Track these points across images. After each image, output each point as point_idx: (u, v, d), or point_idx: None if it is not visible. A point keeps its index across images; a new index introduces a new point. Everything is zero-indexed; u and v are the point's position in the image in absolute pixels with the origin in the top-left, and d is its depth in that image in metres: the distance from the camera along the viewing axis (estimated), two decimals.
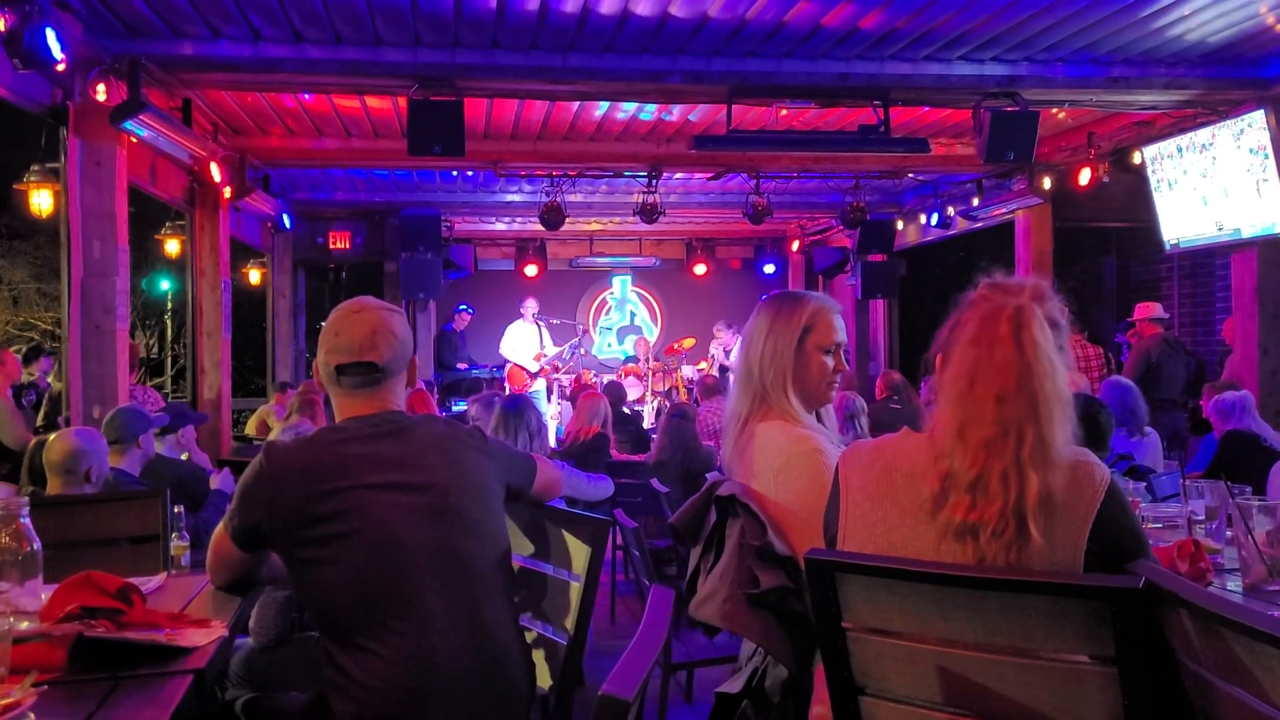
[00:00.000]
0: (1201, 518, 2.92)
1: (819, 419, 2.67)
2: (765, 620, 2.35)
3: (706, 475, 4.47)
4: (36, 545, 2.22)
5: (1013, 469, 1.84)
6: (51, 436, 3.97)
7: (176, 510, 3.52)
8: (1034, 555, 1.83)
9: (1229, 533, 2.77)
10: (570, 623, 2.59)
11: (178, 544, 3.47)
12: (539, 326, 13.15)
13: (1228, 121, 7.30)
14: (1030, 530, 1.82)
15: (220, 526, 2.40)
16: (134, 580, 2.28)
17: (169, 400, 10.14)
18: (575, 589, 2.61)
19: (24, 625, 2.02)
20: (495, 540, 2.45)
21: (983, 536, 1.85)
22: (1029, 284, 2.00)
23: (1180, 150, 7.84)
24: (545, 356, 12.92)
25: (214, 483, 4.80)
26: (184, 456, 5.38)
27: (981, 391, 1.88)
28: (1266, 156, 7.02)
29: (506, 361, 12.91)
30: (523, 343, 13.03)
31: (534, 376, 12.59)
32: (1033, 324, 1.90)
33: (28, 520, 2.24)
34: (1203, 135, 7.58)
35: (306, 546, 2.27)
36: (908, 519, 1.97)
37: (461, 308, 13.19)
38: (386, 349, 2.41)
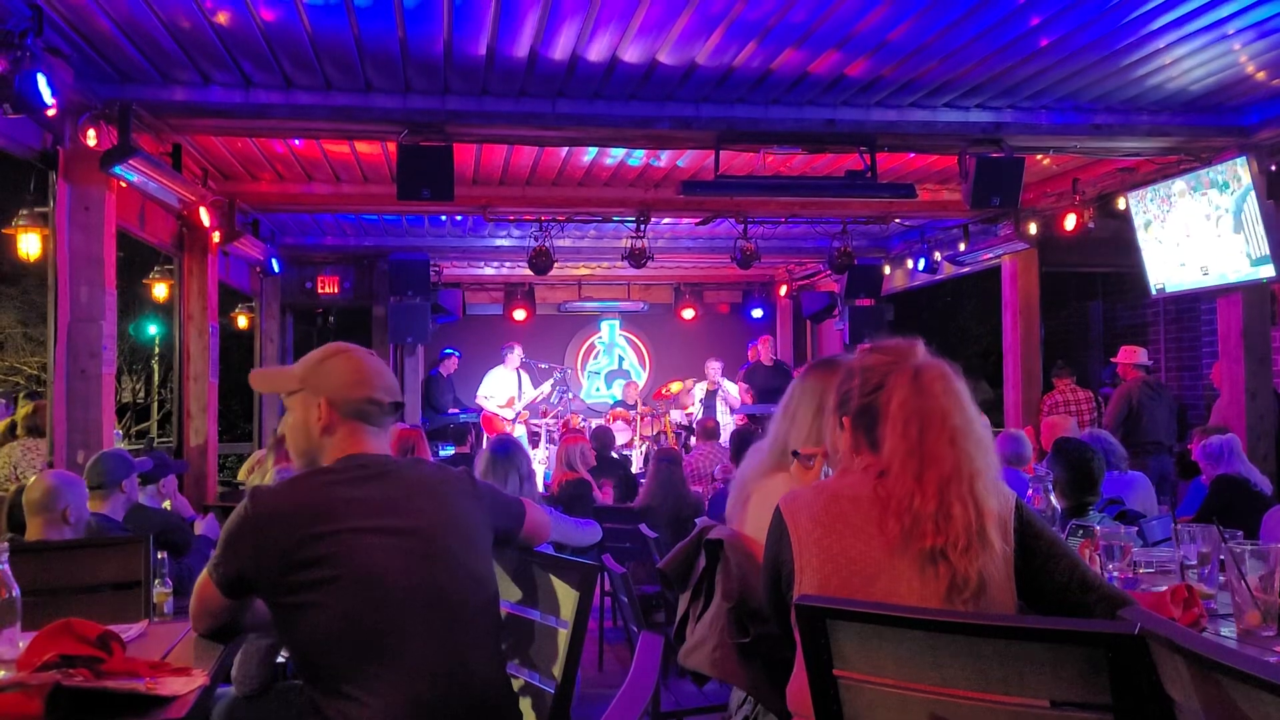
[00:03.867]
0: (1194, 562, 2.91)
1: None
2: (755, 669, 2.33)
3: (695, 520, 4.46)
4: (15, 592, 2.19)
5: (969, 497, 2.06)
6: (31, 479, 3.93)
7: (160, 556, 3.48)
8: (992, 566, 2.05)
9: (1222, 578, 2.75)
10: (558, 670, 2.55)
11: (160, 591, 3.42)
12: (519, 374, 13.08)
13: (1210, 168, 7.37)
14: (990, 539, 2.05)
15: (204, 573, 2.36)
16: (114, 628, 2.25)
17: (153, 446, 10.07)
18: (563, 635, 2.58)
19: (0, 674, 1.99)
20: (484, 585, 2.42)
21: (952, 556, 2.03)
22: (916, 344, 2.25)
23: (1164, 196, 7.91)
24: (521, 399, 12.83)
25: (199, 528, 4.76)
26: (165, 505, 5.33)
27: (934, 438, 2.09)
28: (1249, 202, 7.08)
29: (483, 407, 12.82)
30: (500, 389, 12.93)
31: (512, 423, 12.52)
32: (954, 378, 2.17)
33: (6, 566, 2.21)
34: (1186, 181, 7.64)
35: (292, 591, 2.24)
36: (860, 536, 2.09)
37: (448, 352, 13.15)
38: (398, 392, 2.54)
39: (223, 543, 2.32)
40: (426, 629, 2.26)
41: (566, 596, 2.60)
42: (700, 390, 13.03)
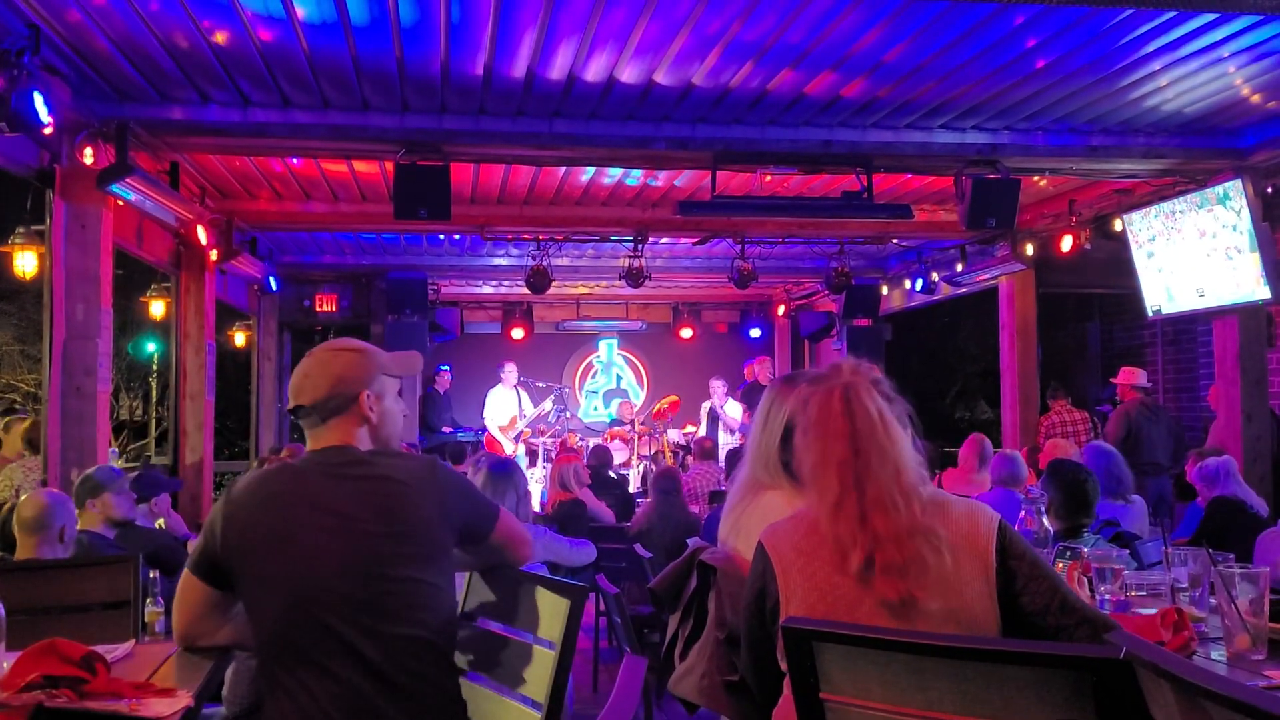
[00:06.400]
0: (1185, 585, 2.90)
1: None
2: (742, 700, 2.33)
3: (688, 540, 4.46)
4: None
5: (873, 510, 2.06)
6: (22, 498, 3.92)
7: (151, 575, 3.47)
8: (940, 554, 2.06)
9: (1212, 600, 2.75)
10: (545, 692, 2.53)
11: (152, 609, 3.42)
12: (518, 392, 13.07)
13: (1206, 190, 7.38)
14: (920, 527, 2.06)
15: (186, 569, 2.45)
16: (101, 648, 2.24)
17: (149, 464, 10.05)
18: (551, 657, 2.56)
19: None
20: (437, 590, 2.43)
21: (880, 558, 2.04)
22: (845, 364, 2.25)
23: (1160, 218, 7.91)
24: (524, 418, 12.82)
25: (191, 547, 4.73)
26: (159, 524, 5.31)
27: (827, 463, 2.13)
28: (1245, 224, 7.09)
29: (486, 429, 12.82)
30: (502, 409, 12.93)
31: (516, 441, 12.51)
32: (861, 394, 2.16)
33: None
34: (1182, 203, 7.65)
35: (243, 580, 2.34)
36: (834, 567, 2.11)
37: (442, 368, 13.13)
38: (311, 390, 2.48)
39: (205, 524, 2.43)
40: (355, 635, 2.28)
41: (555, 617, 2.58)
42: (705, 409, 13.03)
